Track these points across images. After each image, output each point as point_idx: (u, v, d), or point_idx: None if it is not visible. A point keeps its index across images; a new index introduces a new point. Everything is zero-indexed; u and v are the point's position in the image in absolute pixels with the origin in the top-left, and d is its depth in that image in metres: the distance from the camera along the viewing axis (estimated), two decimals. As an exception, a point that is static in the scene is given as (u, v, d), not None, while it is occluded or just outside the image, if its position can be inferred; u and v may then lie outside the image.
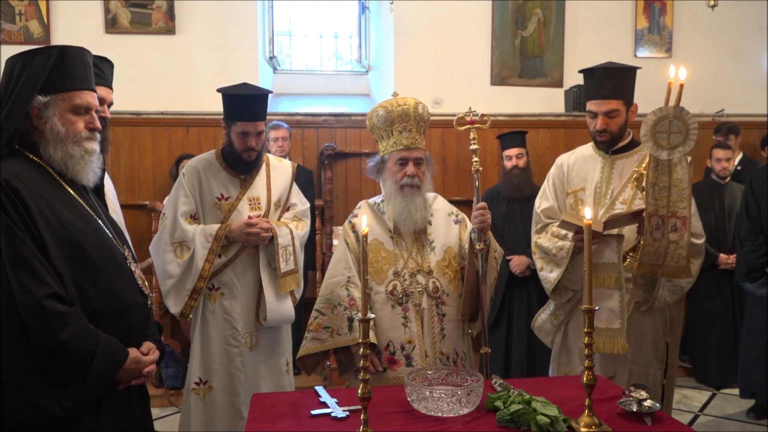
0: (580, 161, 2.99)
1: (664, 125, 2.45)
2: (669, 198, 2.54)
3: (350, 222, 2.78)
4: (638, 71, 2.89)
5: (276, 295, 2.98)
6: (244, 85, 3.03)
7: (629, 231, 2.75)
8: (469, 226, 2.82)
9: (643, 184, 2.62)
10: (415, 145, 2.65)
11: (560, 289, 2.89)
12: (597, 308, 2.67)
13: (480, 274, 2.62)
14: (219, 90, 2.98)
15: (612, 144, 2.88)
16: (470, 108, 2.75)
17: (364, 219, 1.90)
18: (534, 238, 3.02)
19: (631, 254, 2.73)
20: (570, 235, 2.82)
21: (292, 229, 3.06)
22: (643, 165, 2.65)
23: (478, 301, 2.66)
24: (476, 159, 2.70)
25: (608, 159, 2.91)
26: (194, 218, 2.98)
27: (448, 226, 2.77)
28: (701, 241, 2.78)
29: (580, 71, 2.95)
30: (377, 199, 2.81)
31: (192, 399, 2.98)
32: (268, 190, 3.09)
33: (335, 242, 5.37)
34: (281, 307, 3.00)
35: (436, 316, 2.63)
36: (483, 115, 2.73)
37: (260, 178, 3.08)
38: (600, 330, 2.75)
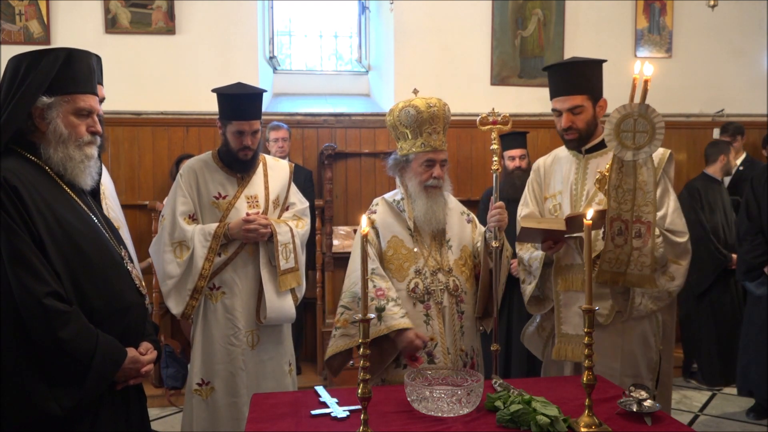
0: (556, 163, 2.87)
1: (628, 124, 2.30)
2: (634, 201, 2.37)
3: (369, 218, 2.77)
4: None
5: (276, 293, 2.99)
6: (239, 84, 3.05)
7: (594, 236, 2.59)
8: (479, 225, 2.85)
9: (606, 186, 2.45)
10: (442, 147, 2.68)
11: (542, 300, 2.82)
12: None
13: (494, 273, 2.65)
14: (214, 90, 3.00)
15: (581, 142, 2.74)
16: (493, 108, 2.77)
17: (364, 219, 1.90)
18: (516, 248, 2.92)
19: (598, 261, 2.56)
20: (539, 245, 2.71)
21: (292, 227, 3.07)
22: (606, 166, 2.49)
23: (490, 299, 2.70)
24: (496, 159, 2.72)
25: (582, 159, 2.78)
26: (193, 218, 2.98)
27: (462, 225, 2.80)
28: (684, 239, 2.59)
29: (544, 69, 2.84)
30: (395, 196, 2.79)
31: (194, 400, 2.99)
32: (266, 188, 3.09)
33: (335, 242, 5.38)
34: (281, 306, 3.00)
35: (456, 313, 2.66)
36: (505, 116, 2.74)
37: (257, 177, 3.09)
38: (569, 337, 2.64)
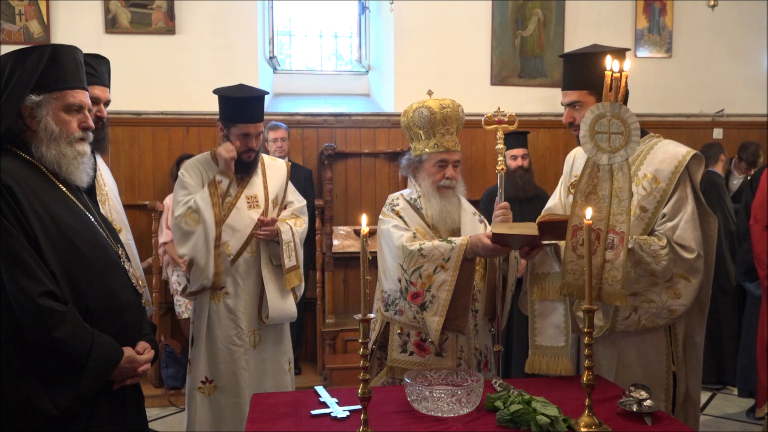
0: (583, 156, 2.61)
1: (602, 124, 2.10)
2: (609, 210, 2.16)
3: (393, 210, 2.75)
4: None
5: (278, 292, 3.01)
6: (240, 86, 3.05)
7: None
8: (488, 225, 2.84)
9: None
10: (455, 147, 2.70)
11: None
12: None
13: (497, 274, 2.65)
14: (216, 91, 2.99)
15: None
16: (498, 108, 2.76)
17: (364, 218, 1.89)
18: None
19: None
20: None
21: (292, 225, 3.10)
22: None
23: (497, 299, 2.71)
24: (501, 158, 2.71)
25: None
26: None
27: (474, 225, 2.81)
28: (692, 256, 2.30)
29: (560, 56, 2.72)
30: (412, 194, 2.79)
31: (198, 397, 3.00)
32: (265, 188, 3.11)
33: (335, 242, 5.37)
34: (283, 305, 3.03)
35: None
36: (511, 116, 2.73)
37: (257, 177, 3.10)
38: (544, 348, 2.52)
